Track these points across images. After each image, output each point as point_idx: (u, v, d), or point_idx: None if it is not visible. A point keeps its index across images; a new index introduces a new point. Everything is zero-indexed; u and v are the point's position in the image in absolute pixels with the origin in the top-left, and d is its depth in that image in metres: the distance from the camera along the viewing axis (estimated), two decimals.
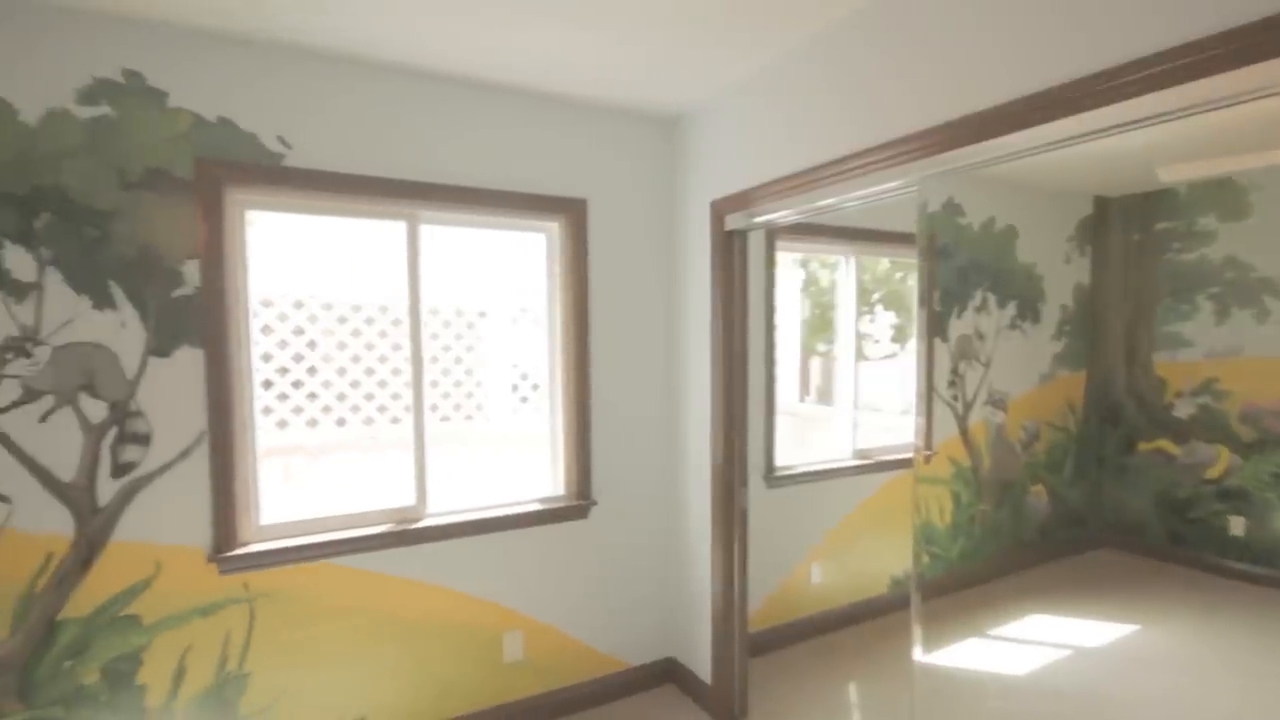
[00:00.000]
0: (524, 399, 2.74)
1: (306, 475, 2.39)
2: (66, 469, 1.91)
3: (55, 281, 1.87)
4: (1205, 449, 3.12)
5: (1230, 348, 3.02)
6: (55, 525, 1.90)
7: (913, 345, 3.42)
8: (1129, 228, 3.35)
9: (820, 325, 3.48)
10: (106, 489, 1.96)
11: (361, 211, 2.34)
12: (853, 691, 2.85)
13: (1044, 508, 3.42)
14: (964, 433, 3.17)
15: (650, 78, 2.38)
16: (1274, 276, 2.86)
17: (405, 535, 2.36)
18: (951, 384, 3.11)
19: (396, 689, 2.38)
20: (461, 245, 2.59)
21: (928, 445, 2.02)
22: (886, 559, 3.42)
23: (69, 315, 1.89)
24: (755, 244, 2.67)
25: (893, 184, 1.86)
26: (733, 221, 2.48)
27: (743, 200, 2.40)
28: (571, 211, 2.65)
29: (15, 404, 1.84)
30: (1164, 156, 2.90)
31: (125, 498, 1.98)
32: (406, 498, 2.43)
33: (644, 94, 2.55)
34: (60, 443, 1.90)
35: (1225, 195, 2.98)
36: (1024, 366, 3.30)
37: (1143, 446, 3.35)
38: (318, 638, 2.24)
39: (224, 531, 2.09)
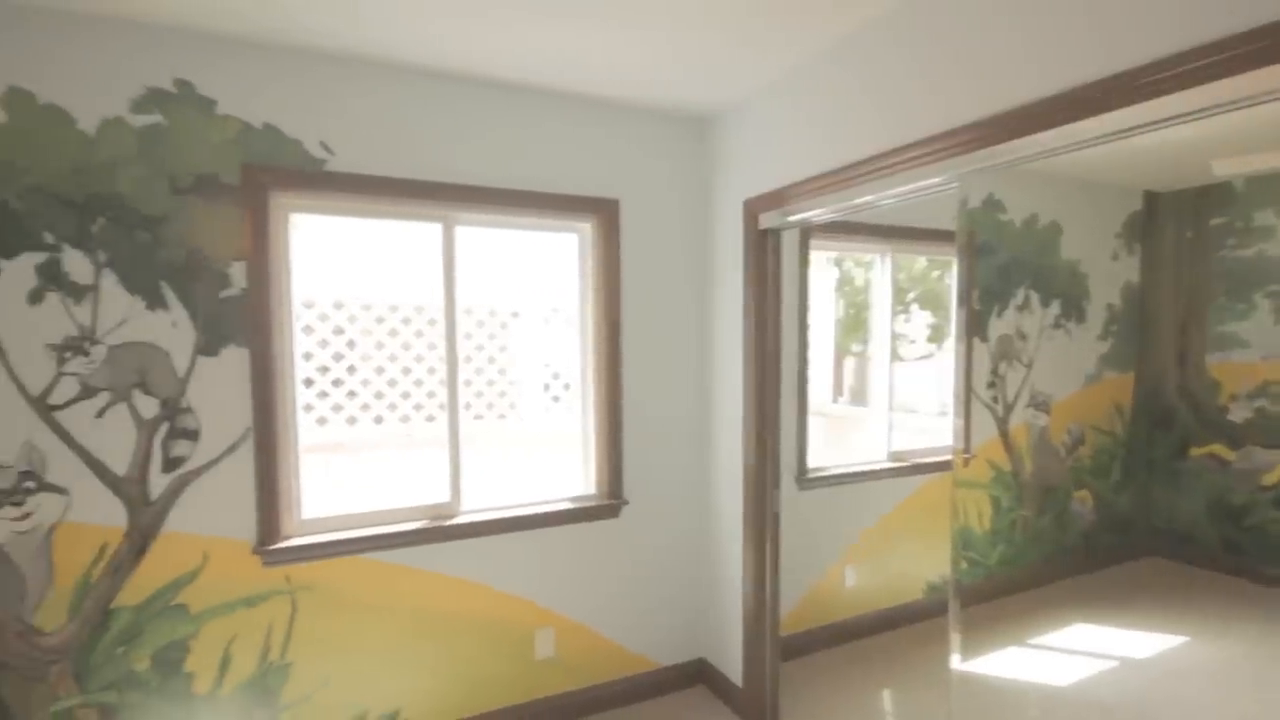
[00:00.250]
0: (556, 398, 2.76)
1: (345, 471, 2.45)
2: (121, 463, 1.99)
3: (110, 283, 1.95)
4: (1262, 454, 2.98)
5: None
6: (110, 517, 1.98)
7: (949, 345, 3.34)
8: (1181, 223, 3.21)
9: (854, 325, 3.43)
10: (158, 482, 2.03)
11: (399, 214, 2.38)
12: (887, 699, 2.80)
13: (1088, 514, 3.31)
14: (1004, 435, 3.08)
15: (682, 78, 2.38)
16: None
17: (440, 531, 2.40)
18: (991, 385, 3.03)
19: (430, 682, 2.42)
20: (495, 246, 2.62)
21: (966, 448, 1.97)
22: (922, 564, 3.35)
23: (123, 316, 1.97)
24: (789, 243, 2.64)
25: (933, 180, 1.82)
26: (766, 220, 2.46)
27: (776, 199, 2.38)
28: (604, 212, 2.66)
29: (73, 400, 1.93)
30: (1219, 150, 2.78)
31: (175, 491, 2.05)
32: (441, 494, 2.47)
33: (676, 94, 2.55)
34: (115, 438, 1.98)
35: None
36: (1068, 368, 3.19)
37: (1195, 451, 3.21)
38: (355, 630, 2.30)
39: (268, 525, 2.15)
